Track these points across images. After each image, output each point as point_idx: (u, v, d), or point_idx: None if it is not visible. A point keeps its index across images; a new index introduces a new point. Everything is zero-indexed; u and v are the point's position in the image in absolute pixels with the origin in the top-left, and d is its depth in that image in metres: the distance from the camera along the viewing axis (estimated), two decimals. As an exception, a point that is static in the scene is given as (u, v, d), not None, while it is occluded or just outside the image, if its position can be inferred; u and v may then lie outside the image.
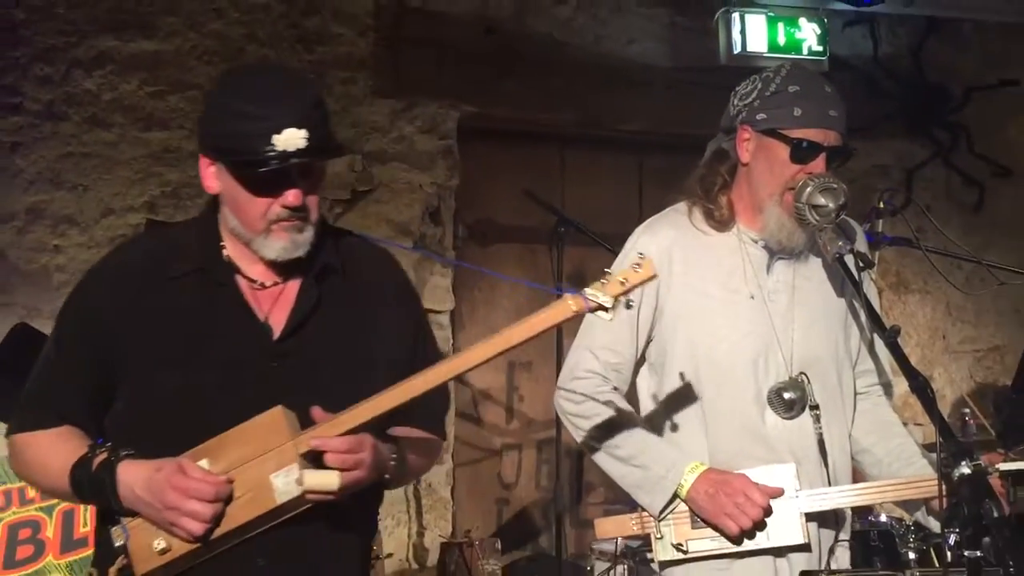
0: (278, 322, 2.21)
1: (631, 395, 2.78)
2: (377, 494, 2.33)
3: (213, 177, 2.19)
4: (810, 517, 2.59)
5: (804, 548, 2.58)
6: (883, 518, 3.92)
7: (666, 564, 2.65)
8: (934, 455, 2.33)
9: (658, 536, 2.62)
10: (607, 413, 2.68)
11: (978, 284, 5.53)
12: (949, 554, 2.20)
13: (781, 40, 5.42)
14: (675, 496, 2.60)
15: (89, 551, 4.08)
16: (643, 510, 2.65)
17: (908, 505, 2.76)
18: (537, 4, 5.37)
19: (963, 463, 2.13)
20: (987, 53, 6.08)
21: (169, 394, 2.14)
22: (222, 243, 2.24)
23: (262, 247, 2.18)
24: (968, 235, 5.59)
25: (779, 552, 2.58)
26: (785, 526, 2.56)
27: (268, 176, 2.11)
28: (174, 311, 2.18)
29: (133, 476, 2.07)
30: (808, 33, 5.48)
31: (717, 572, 2.61)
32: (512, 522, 5.45)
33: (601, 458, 2.71)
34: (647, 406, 2.76)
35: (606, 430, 2.68)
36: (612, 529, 2.75)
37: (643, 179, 5.73)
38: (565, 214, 4.86)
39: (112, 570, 2.10)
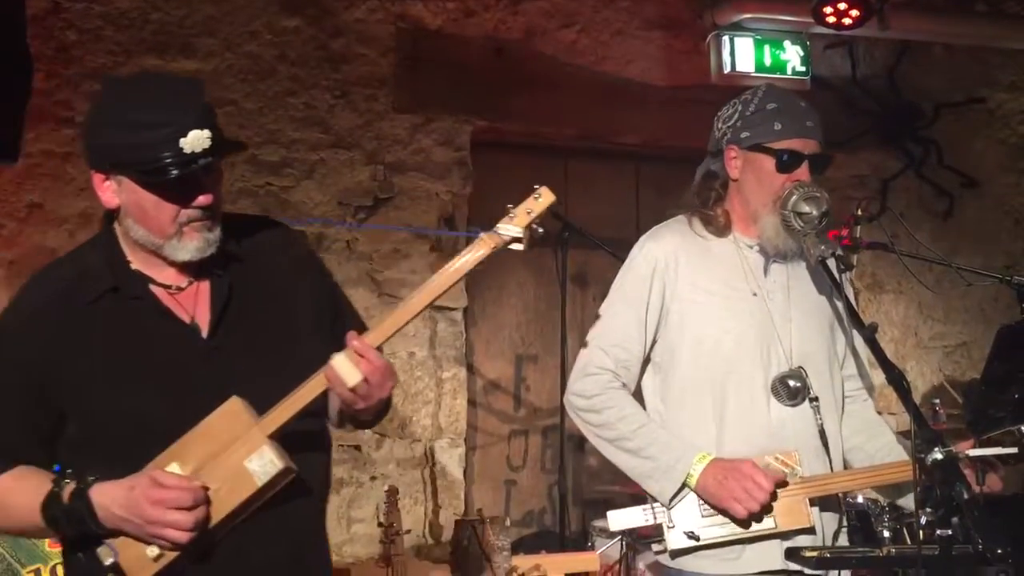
0: (203, 320, 2.10)
1: (636, 396, 2.76)
2: (328, 462, 2.27)
3: (111, 192, 2.04)
4: (813, 503, 2.57)
5: (810, 531, 2.56)
6: (860, 499, 3.91)
7: (678, 553, 2.60)
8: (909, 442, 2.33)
9: (670, 525, 2.57)
10: (617, 408, 2.64)
11: (947, 285, 5.51)
12: (922, 533, 2.19)
13: (767, 61, 5.41)
14: (684, 485, 2.56)
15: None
16: (653, 500, 2.61)
17: (895, 491, 2.75)
18: (544, 28, 5.36)
19: (936, 449, 2.13)
20: (956, 73, 6.06)
21: (117, 415, 2.02)
22: (127, 259, 2.10)
23: (175, 250, 2.04)
24: (938, 240, 5.59)
25: (786, 536, 2.55)
26: (791, 511, 2.54)
27: (177, 181, 1.98)
28: (99, 335, 2.04)
29: (109, 498, 1.96)
30: (792, 55, 5.47)
31: (728, 560, 2.57)
32: (519, 502, 5.44)
33: (611, 452, 2.66)
34: (653, 404, 2.73)
35: (616, 424, 2.64)
36: (623, 520, 2.66)
37: (640, 187, 5.72)
38: (569, 220, 4.86)
39: None
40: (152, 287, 2.10)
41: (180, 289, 2.12)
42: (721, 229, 2.71)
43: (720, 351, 2.62)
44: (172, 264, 2.09)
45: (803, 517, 2.54)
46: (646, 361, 2.73)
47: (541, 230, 2.07)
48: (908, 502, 2.73)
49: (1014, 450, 2.59)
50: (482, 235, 2.04)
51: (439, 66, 5.17)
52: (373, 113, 5.05)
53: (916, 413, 2.21)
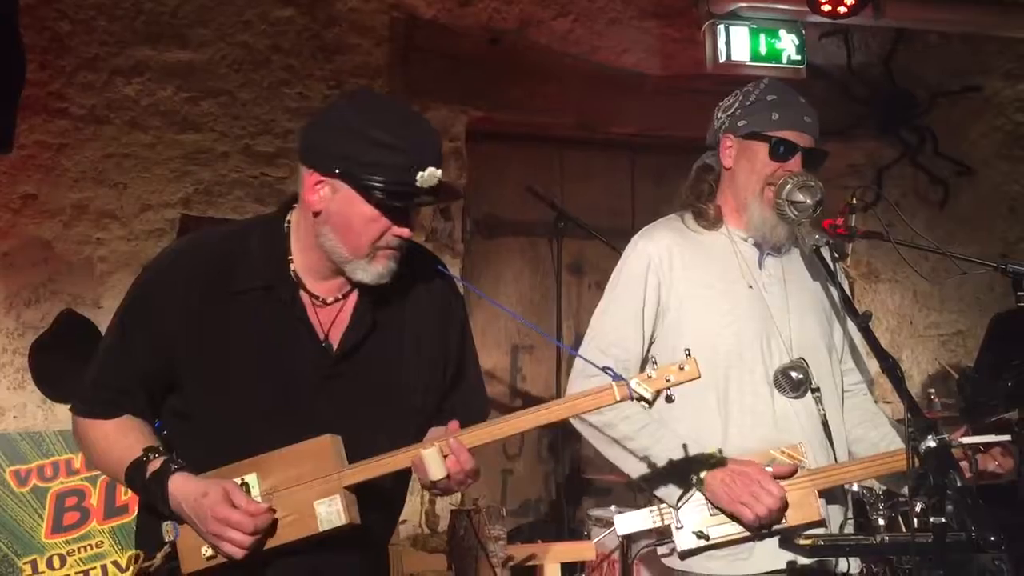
0: (336, 341, 2.13)
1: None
2: (395, 521, 2.35)
3: (321, 196, 2.06)
4: (820, 495, 2.55)
5: (819, 524, 2.54)
6: (855, 487, 3.92)
7: (687, 554, 2.57)
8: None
9: (678, 526, 2.54)
10: (619, 409, 2.58)
11: (943, 274, 5.51)
12: (916, 520, 2.20)
13: (763, 50, 5.41)
14: (691, 485, 2.53)
15: (130, 518, 4.10)
16: (659, 502, 2.58)
17: (895, 480, 2.75)
18: (538, 17, 5.35)
19: (929, 437, 2.14)
20: (951, 62, 6.06)
21: (226, 407, 2.09)
22: (289, 256, 2.14)
23: (359, 270, 2.09)
24: (933, 229, 5.60)
25: (797, 531, 2.51)
26: (801, 505, 2.51)
27: (394, 208, 2.03)
28: (238, 326, 2.09)
29: (182, 494, 2.04)
30: (787, 44, 5.47)
31: (739, 559, 2.54)
32: (516, 492, 5.46)
33: (615, 453, 2.65)
34: (656, 402, 2.72)
35: (619, 425, 2.62)
36: (631, 524, 2.63)
37: (635, 177, 5.72)
38: (564, 209, 4.86)
39: (160, 555, 2.09)
40: (301, 293, 2.13)
41: (325, 303, 2.15)
42: (713, 222, 2.71)
43: (721, 345, 2.61)
44: (330, 278, 2.13)
45: (813, 511, 2.51)
46: (646, 359, 2.71)
47: (674, 397, 2.10)
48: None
49: (1007, 437, 2.59)
50: (613, 385, 2.06)
51: (434, 56, 5.16)
52: (368, 103, 5.04)
53: (910, 401, 2.22)
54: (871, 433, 2.74)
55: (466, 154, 5.21)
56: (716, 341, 2.61)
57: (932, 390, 5.17)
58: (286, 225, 2.17)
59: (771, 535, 2.53)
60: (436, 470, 2.05)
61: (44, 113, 4.57)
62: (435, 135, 2.10)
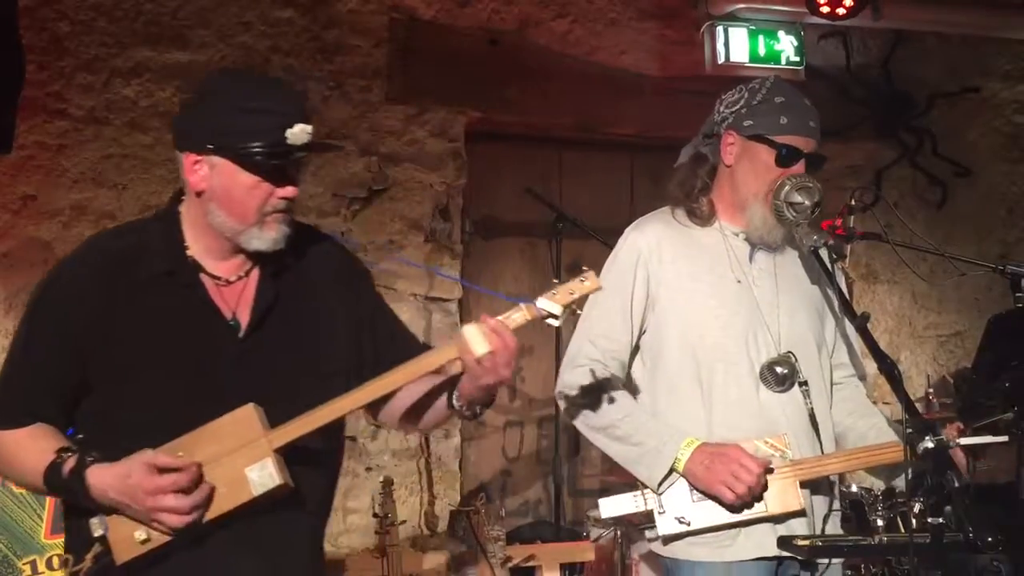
0: (244, 319, 2.15)
1: (627, 386, 2.77)
2: (332, 482, 2.30)
3: (201, 175, 2.11)
4: (803, 486, 2.58)
5: (800, 514, 2.57)
6: (854, 488, 3.94)
7: (670, 539, 2.61)
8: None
9: (660, 511, 2.58)
10: (605, 398, 2.66)
11: (941, 275, 5.52)
12: (914, 520, 2.21)
13: (761, 51, 5.41)
14: (672, 469, 2.57)
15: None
16: (643, 487, 2.62)
17: (884, 473, 2.76)
18: (537, 18, 5.36)
19: (927, 438, 2.14)
20: (949, 63, 6.07)
21: (142, 397, 2.08)
22: (185, 244, 2.16)
23: (253, 238, 2.12)
24: (932, 230, 5.61)
25: (778, 520, 2.56)
26: (783, 494, 2.55)
27: (272, 169, 2.08)
28: (144, 315, 2.10)
29: (105, 482, 2.01)
30: (786, 45, 5.47)
31: (722, 546, 2.57)
32: (515, 492, 5.46)
33: (601, 440, 2.68)
34: (644, 393, 2.75)
35: (604, 414, 2.66)
36: (614, 507, 2.67)
37: (634, 178, 5.73)
38: (563, 210, 4.87)
39: (89, 557, 2.06)
40: (203, 276, 2.16)
41: (228, 283, 2.17)
42: (706, 219, 2.72)
43: (707, 339, 2.63)
44: (228, 258, 2.16)
45: (794, 500, 2.55)
46: (636, 350, 2.74)
47: (579, 312, 2.16)
48: (900, 483, 2.74)
49: (1004, 438, 2.60)
50: (522, 305, 2.12)
51: (433, 57, 5.17)
52: (367, 104, 5.05)
53: (908, 402, 2.23)
54: (859, 423, 2.76)
55: (465, 155, 5.21)
56: (702, 334, 2.64)
57: (931, 390, 5.17)
58: (177, 214, 2.20)
59: (753, 522, 2.55)
60: (480, 345, 2.06)
61: (43, 114, 4.58)
62: (298, 95, 2.17)
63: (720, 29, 5.39)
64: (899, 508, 3.77)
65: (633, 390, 2.75)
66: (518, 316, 2.11)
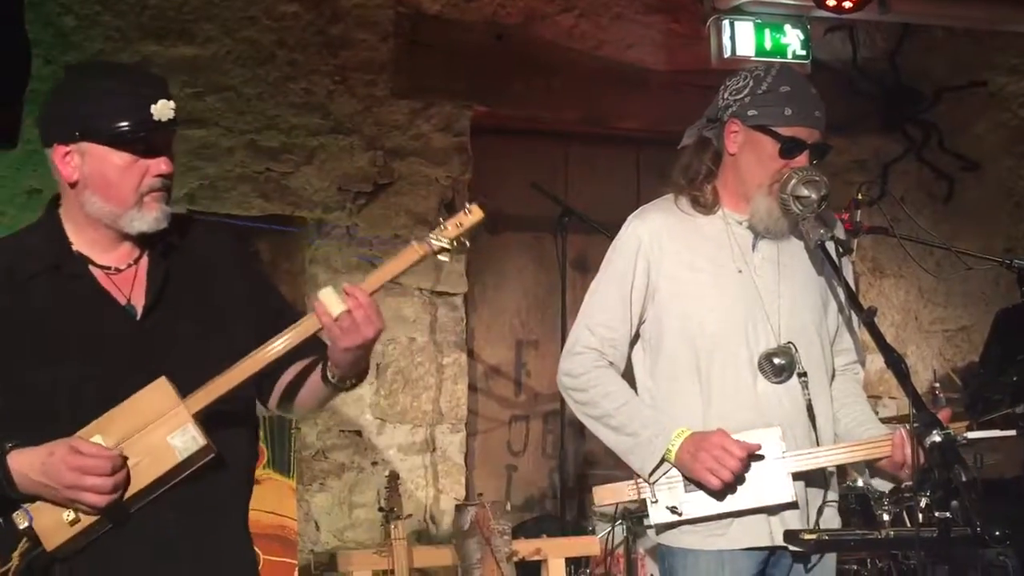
0: (139, 303, 2.17)
1: (627, 373, 2.77)
2: (253, 447, 2.32)
3: (72, 166, 2.12)
4: (798, 477, 2.58)
5: (792, 506, 2.57)
6: (860, 483, 3.93)
7: (663, 528, 2.63)
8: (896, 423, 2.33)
9: (653, 500, 2.60)
10: (602, 386, 2.67)
11: (948, 269, 5.52)
12: (920, 515, 2.21)
13: (768, 45, 5.40)
14: (664, 460, 2.58)
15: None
16: (638, 477, 2.64)
17: (888, 475, 2.75)
18: (543, 12, 5.35)
19: (934, 432, 2.14)
20: (957, 56, 6.05)
21: (46, 392, 2.07)
22: (69, 241, 2.17)
23: (134, 221, 2.14)
24: (938, 224, 5.59)
25: (771, 511, 2.56)
26: (774, 485, 2.55)
27: (142, 148, 2.11)
28: (35, 310, 2.11)
29: (27, 464, 2.01)
30: (792, 38, 5.45)
31: (715, 534, 2.58)
32: (520, 487, 5.46)
33: (597, 428, 2.70)
34: (644, 381, 2.75)
35: (601, 402, 2.67)
36: (609, 496, 2.71)
37: (640, 172, 5.71)
38: (569, 205, 4.86)
39: (16, 554, 2.04)
40: (91, 268, 2.17)
41: (119, 271, 2.19)
42: (709, 207, 2.71)
43: (706, 328, 2.63)
44: (115, 247, 2.18)
45: (785, 491, 2.54)
46: (635, 339, 2.75)
47: (467, 244, 2.23)
48: (879, 484, 2.74)
49: (1012, 432, 2.59)
50: (413, 243, 2.17)
51: (438, 51, 5.16)
52: (372, 98, 5.05)
53: (915, 396, 2.22)
54: (840, 413, 2.73)
55: (471, 149, 5.21)
56: (701, 324, 2.64)
57: (937, 385, 5.16)
58: (57, 217, 2.21)
59: (743, 513, 2.55)
60: (335, 305, 2.09)
61: (49, 108, 4.58)
62: (157, 76, 2.22)
63: (726, 23, 5.37)
64: (905, 502, 3.76)
65: (633, 379, 2.75)
66: (414, 256, 2.16)
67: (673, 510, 2.58)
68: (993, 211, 6.11)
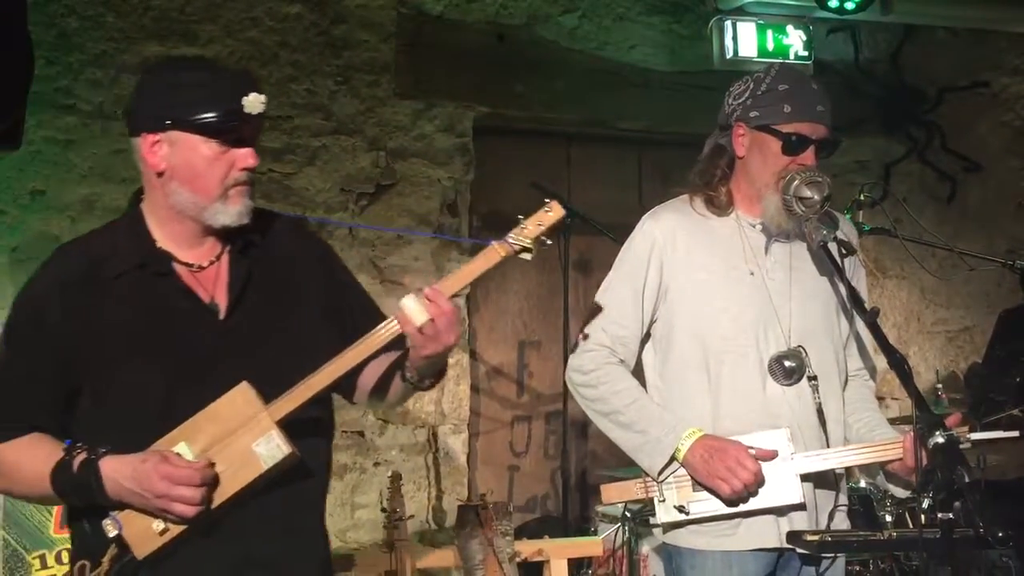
0: (221, 301, 2.16)
1: (637, 373, 2.77)
2: (330, 449, 2.32)
3: (160, 155, 2.13)
4: (807, 479, 2.57)
5: (800, 507, 2.57)
6: (863, 484, 3.92)
7: (669, 527, 2.63)
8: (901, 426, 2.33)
9: (660, 499, 2.60)
10: (612, 383, 2.67)
11: (950, 270, 5.52)
12: (923, 516, 2.20)
13: (770, 46, 5.40)
14: (673, 459, 2.58)
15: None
16: (646, 475, 2.64)
17: (868, 470, 2.75)
18: (545, 13, 5.35)
19: (937, 433, 2.13)
20: (959, 57, 6.05)
21: (132, 389, 2.08)
22: (153, 237, 2.18)
23: (218, 213, 2.13)
24: (941, 225, 5.59)
25: (780, 512, 2.56)
26: (782, 486, 2.54)
27: (232, 139, 2.10)
28: (122, 309, 2.11)
29: (118, 471, 2.02)
30: (795, 39, 5.46)
31: (724, 535, 2.58)
32: (522, 487, 5.46)
33: (606, 425, 2.70)
34: (653, 380, 2.75)
35: (611, 399, 2.67)
36: (616, 494, 2.71)
37: (642, 173, 5.72)
38: (571, 205, 4.85)
39: (106, 559, 2.06)
40: (175, 265, 2.16)
41: (201, 268, 2.18)
42: (723, 208, 2.71)
43: (716, 330, 2.63)
44: (198, 243, 2.17)
45: (793, 492, 2.54)
46: (646, 338, 2.75)
47: (549, 242, 2.20)
48: (881, 481, 2.73)
49: (1015, 433, 2.59)
50: (494, 244, 2.16)
51: (441, 52, 5.16)
52: (375, 99, 5.05)
53: (917, 397, 2.22)
54: (851, 418, 2.73)
55: (473, 150, 5.21)
56: (712, 326, 2.64)
57: (939, 386, 5.16)
58: (140, 212, 2.22)
59: (751, 514, 2.55)
60: (419, 315, 2.08)
61: (52, 109, 4.58)
62: (246, 70, 2.24)
63: (728, 24, 5.38)
64: (908, 503, 3.76)
65: (643, 377, 2.75)
66: (494, 258, 2.16)
67: (681, 509, 2.58)
68: (995, 212, 6.11)
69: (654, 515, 2.65)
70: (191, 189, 2.12)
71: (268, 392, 2.08)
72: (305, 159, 4.93)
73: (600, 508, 4.40)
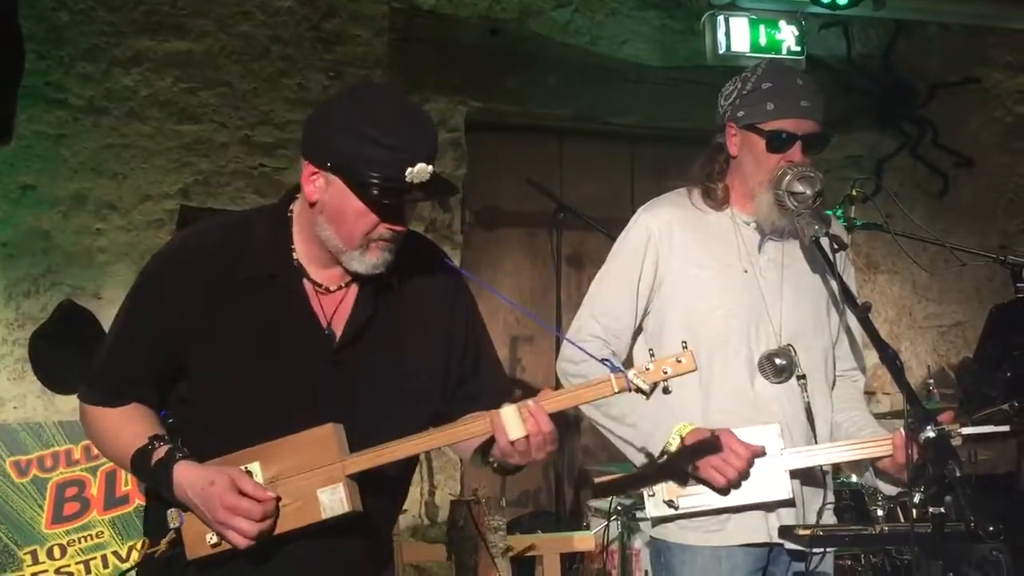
0: (339, 329, 2.15)
1: (628, 365, 2.77)
2: (399, 508, 2.36)
3: (316, 187, 2.09)
4: (795, 475, 2.59)
5: (789, 503, 2.58)
6: (854, 479, 3.93)
7: (659, 521, 2.64)
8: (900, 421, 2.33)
9: (650, 494, 2.61)
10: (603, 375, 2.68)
11: (942, 265, 5.52)
12: (915, 510, 2.21)
13: (762, 41, 5.41)
14: (664, 452, 2.59)
15: (130, 508, 4.11)
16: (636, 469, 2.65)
17: (857, 467, 2.76)
18: (538, 7, 5.35)
19: (928, 427, 2.14)
20: (951, 53, 6.06)
21: (234, 391, 2.11)
22: (292, 245, 2.16)
23: (353, 260, 2.10)
24: (933, 220, 5.59)
25: (768, 508, 2.57)
26: (771, 482, 2.56)
27: (385, 203, 2.06)
28: (243, 314, 2.12)
29: (188, 481, 2.06)
30: (787, 35, 5.47)
31: (713, 530, 2.59)
32: (515, 482, 5.45)
33: (596, 417, 2.70)
34: None
35: None
36: (609, 488, 2.73)
37: (635, 168, 5.72)
38: (564, 201, 4.86)
39: (164, 542, 2.11)
40: (305, 282, 2.16)
41: (328, 291, 2.17)
42: (720, 203, 2.72)
43: (708, 326, 2.64)
44: (331, 266, 2.16)
45: (782, 488, 2.55)
46: (639, 331, 2.75)
47: (671, 389, 2.12)
48: (869, 479, 2.74)
49: (1005, 428, 2.60)
50: (612, 377, 2.08)
51: (433, 47, 5.16)
52: (367, 94, 5.04)
53: (909, 392, 2.23)
54: (839, 416, 2.74)
55: (465, 145, 5.20)
56: (703, 322, 2.65)
57: (931, 381, 5.17)
58: (289, 214, 2.19)
59: (741, 509, 2.56)
60: (515, 428, 2.05)
61: (43, 103, 4.57)
62: (430, 130, 2.11)
63: (721, 19, 5.38)
64: (899, 498, 3.77)
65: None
66: (607, 387, 2.09)
67: (670, 504, 2.58)
68: (987, 207, 6.12)
69: (643, 508, 2.65)
70: (335, 231, 2.10)
71: (357, 437, 2.08)
72: (297, 154, 4.89)
73: (592, 503, 4.41)
